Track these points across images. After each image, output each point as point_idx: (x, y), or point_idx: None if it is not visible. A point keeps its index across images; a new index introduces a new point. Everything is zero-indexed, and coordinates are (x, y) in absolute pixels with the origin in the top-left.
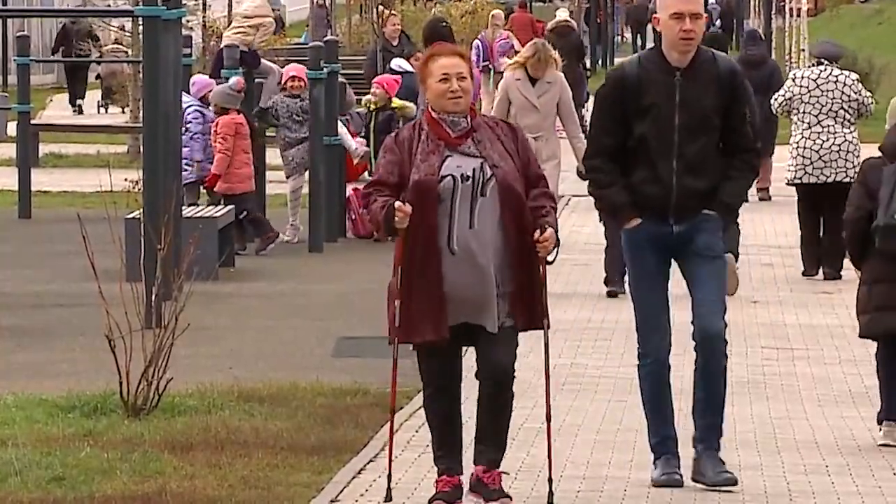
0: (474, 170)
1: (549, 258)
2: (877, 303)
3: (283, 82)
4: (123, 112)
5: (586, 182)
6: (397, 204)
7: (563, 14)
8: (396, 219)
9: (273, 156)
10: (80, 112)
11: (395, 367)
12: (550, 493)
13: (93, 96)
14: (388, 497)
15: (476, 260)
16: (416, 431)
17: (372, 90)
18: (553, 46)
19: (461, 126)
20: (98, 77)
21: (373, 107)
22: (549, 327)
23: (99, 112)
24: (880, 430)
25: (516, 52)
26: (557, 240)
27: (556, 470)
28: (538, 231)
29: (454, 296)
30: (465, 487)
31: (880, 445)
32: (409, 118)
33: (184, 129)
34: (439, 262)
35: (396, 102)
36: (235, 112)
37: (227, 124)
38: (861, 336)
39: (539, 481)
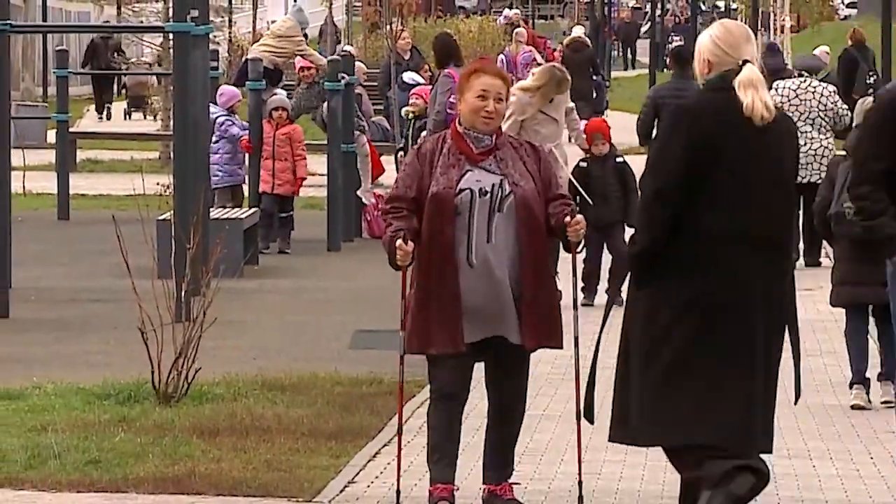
0: (493, 185)
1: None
2: (840, 278)
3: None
4: (146, 118)
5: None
6: (398, 243)
7: (578, 31)
8: (398, 258)
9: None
10: (109, 118)
11: (402, 387)
12: (580, 497)
13: (118, 105)
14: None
15: (494, 273)
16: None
17: (412, 101)
18: (569, 59)
19: (485, 143)
20: (123, 87)
21: (412, 115)
22: (560, 347)
23: (125, 119)
24: (850, 394)
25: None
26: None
27: (556, 454)
28: (568, 216)
29: (472, 308)
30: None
31: (851, 407)
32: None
33: (217, 136)
34: (457, 275)
35: None
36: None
37: (300, 132)
38: (832, 305)
39: (563, 464)
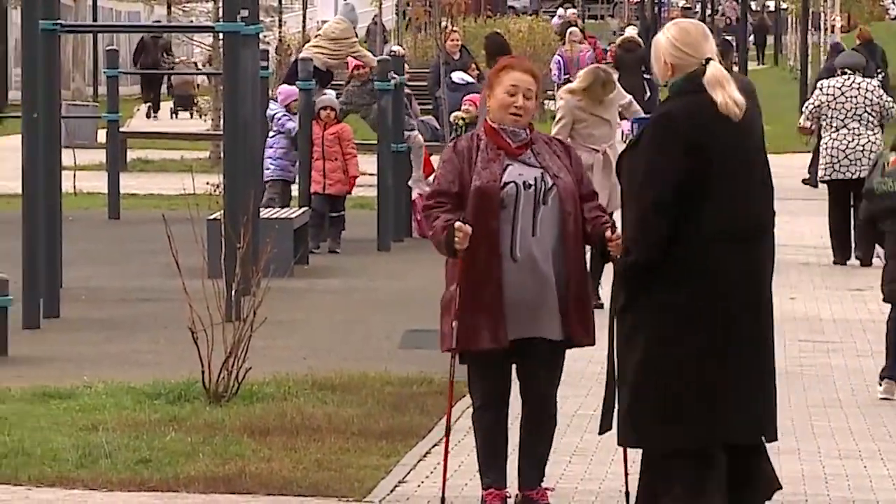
0: (535, 178)
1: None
2: (889, 276)
3: (349, 76)
4: (192, 118)
5: None
6: (458, 224)
7: (631, 31)
8: (456, 239)
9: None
10: (156, 117)
11: (452, 387)
12: (627, 494)
13: (165, 104)
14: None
15: (538, 267)
16: None
17: (464, 108)
18: (621, 59)
19: (521, 137)
20: (170, 86)
21: (461, 122)
22: (593, 343)
23: (171, 118)
24: (880, 385)
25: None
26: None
27: (607, 454)
28: (609, 230)
29: (514, 303)
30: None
31: (880, 399)
32: None
33: (274, 131)
34: (501, 269)
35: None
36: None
37: (348, 131)
38: (884, 301)
39: (613, 464)
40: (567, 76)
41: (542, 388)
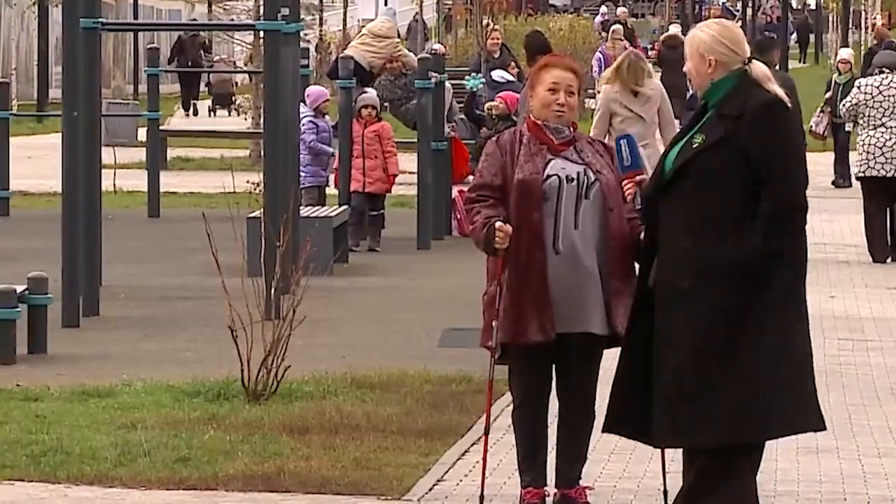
0: (578, 173)
1: None
2: None
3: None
4: (230, 115)
5: None
6: (498, 224)
7: (674, 29)
8: (497, 239)
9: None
10: (196, 114)
11: (491, 385)
12: (665, 492)
13: (203, 102)
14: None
15: (581, 260)
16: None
17: (495, 102)
18: (664, 57)
19: (564, 134)
20: (208, 84)
21: (494, 115)
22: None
23: (209, 116)
24: None
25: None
26: None
27: (646, 452)
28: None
29: (558, 296)
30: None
31: None
32: None
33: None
34: (545, 262)
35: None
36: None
37: (389, 129)
38: None
39: (651, 462)
40: None
41: (580, 386)
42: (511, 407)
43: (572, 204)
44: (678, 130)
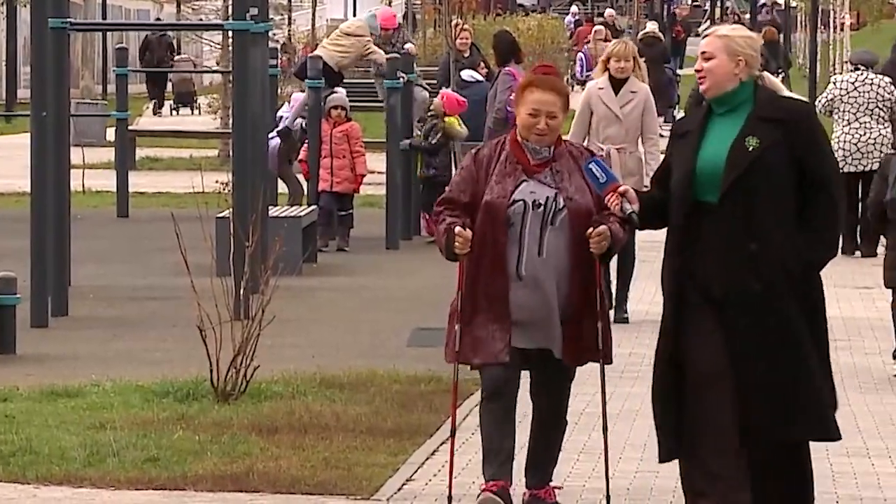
0: (547, 198)
1: (603, 250)
2: (891, 263)
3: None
4: (193, 114)
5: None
6: (457, 229)
7: (651, 26)
8: (456, 244)
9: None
10: (160, 113)
11: (456, 389)
12: (608, 497)
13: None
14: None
15: (543, 287)
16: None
17: (435, 99)
18: (642, 54)
19: (542, 155)
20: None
21: (430, 114)
22: (609, 362)
23: (172, 114)
24: (894, 364)
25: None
26: (609, 233)
27: (616, 452)
28: (590, 227)
29: (519, 321)
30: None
31: (894, 376)
32: (452, 137)
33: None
34: (507, 287)
35: (448, 121)
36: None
37: (357, 130)
38: (885, 286)
39: (599, 463)
40: (589, 73)
41: (552, 397)
42: (479, 404)
43: (537, 230)
44: (684, 131)
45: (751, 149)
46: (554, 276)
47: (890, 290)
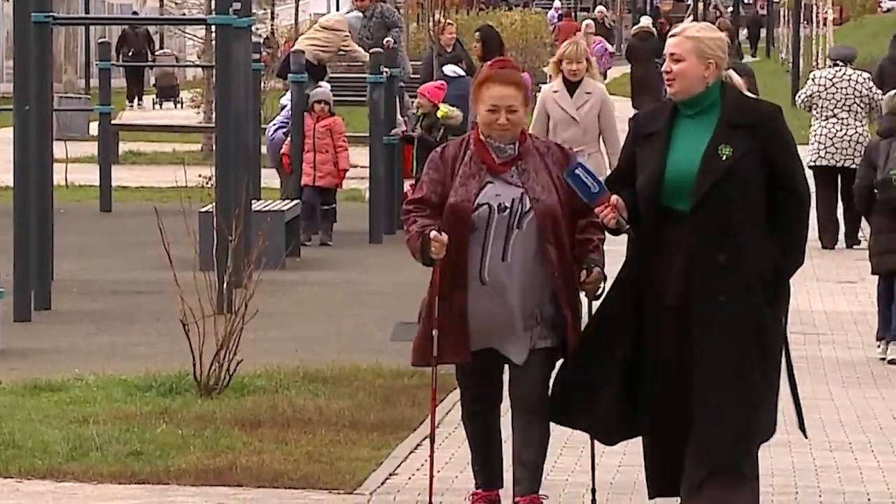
0: (513, 200)
1: (599, 291)
2: (879, 249)
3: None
4: (176, 108)
5: None
6: (433, 234)
7: (645, 21)
8: (432, 249)
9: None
10: (141, 106)
11: (435, 394)
12: (594, 491)
13: (149, 96)
14: None
15: (505, 294)
16: None
17: (417, 101)
18: (635, 49)
19: (507, 153)
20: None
21: (420, 114)
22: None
23: (154, 108)
24: (878, 347)
25: (611, 55)
26: (604, 275)
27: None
28: (584, 272)
29: (479, 325)
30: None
31: (888, 362)
32: (454, 125)
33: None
34: (467, 291)
35: (442, 110)
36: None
37: (340, 124)
38: (872, 273)
39: (582, 457)
40: None
41: (526, 393)
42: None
43: (502, 235)
44: (650, 131)
45: (724, 158)
46: (519, 281)
47: (877, 277)
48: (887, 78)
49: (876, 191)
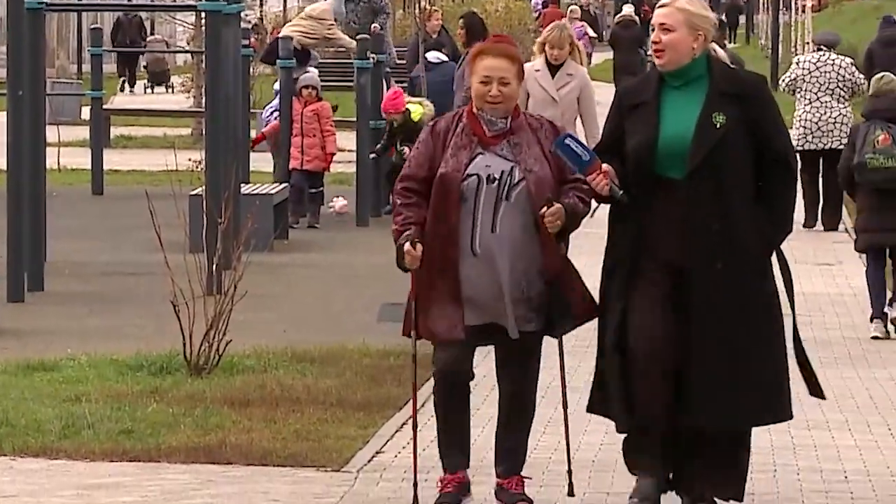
0: (503, 172)
1: (558, 229)
2: (863, 226)
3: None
4: (167, 92)
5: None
6: (406, 246)
7: (628, 9)
8: (406, 260)
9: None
10: (133, 91)
11: (416, 363)
12: (570, 484)
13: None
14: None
15: (496, 263)
16: None
17: (387, 118)
18: (618, 37)
19: (498, 126)
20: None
21: (396, 124)
22: (561, 350)
23: (146, 93)
24: (871, 326)
25: (590, 38)
26: (565, 211)
27: (581, 425)
28: (544, 207)
29: (473, 297)
30: (477, 484)
31: (871, 338)
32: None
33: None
34: (458, 263)
35: (414, 112)
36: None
37: (327, 109)
38: (856, 250)
39: (557, 451)
40: None
41: (514, 379)
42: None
43: (491, 206)
44: (637, 102)
45: (718, 126)
46: (508, 252)
47: (858, 285)
48: (877, 60)
49: (854, 174)
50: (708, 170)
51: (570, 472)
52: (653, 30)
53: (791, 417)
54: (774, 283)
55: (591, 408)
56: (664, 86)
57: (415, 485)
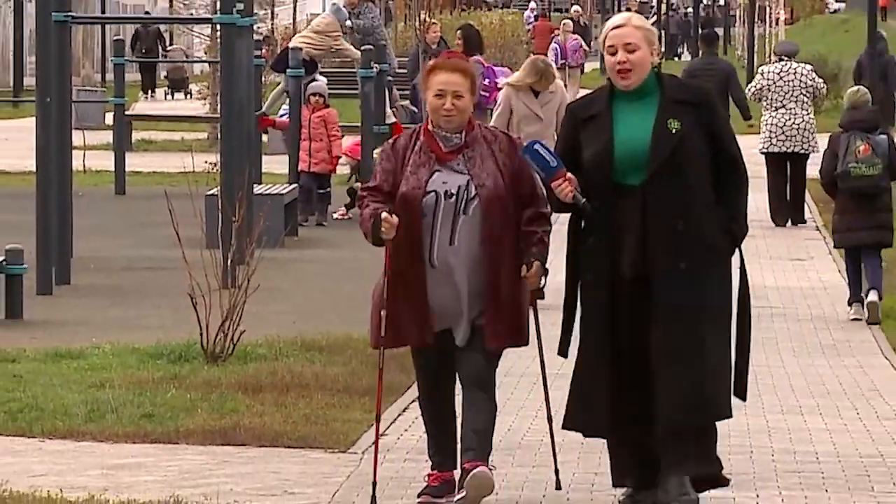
0: (459, 187)
1: (540, 284)
2: (841, 227)
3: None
4: (186, 98)
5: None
6: (384, 215)
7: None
8: (383, 229)
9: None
10: (153, 97)
11: (381, 375)
12: (558, 480)
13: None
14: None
15: (453, 275)
16: None
17: (344, 162)
18: None
19: (453, 142)
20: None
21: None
22: (540, 348)
23: (165, 99)
24: (850, 310)
25: (585, 51)
26: (545, 269)
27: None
28: (525, 266)
29: (435, 306)
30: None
31: (850, 320)
32: None
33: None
34: (423, 275)
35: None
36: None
37: (334, 115)
38: (835, 247)
39: (537, 420)
40: (564, 60)
41: (475, 372)
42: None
43: (449, 220)
44: (590, 115)
45: (674, 131)
46: (466, 263)
47: (828, 279)
48: (865, 71)
49: (837, 180)
50: (668, 174)
51: (556, 470)
52: (613, 51)
53: (729, 416)
54: (731, 281)
55: (567, 424)
56: (615, 99)
57: (373, 484)
